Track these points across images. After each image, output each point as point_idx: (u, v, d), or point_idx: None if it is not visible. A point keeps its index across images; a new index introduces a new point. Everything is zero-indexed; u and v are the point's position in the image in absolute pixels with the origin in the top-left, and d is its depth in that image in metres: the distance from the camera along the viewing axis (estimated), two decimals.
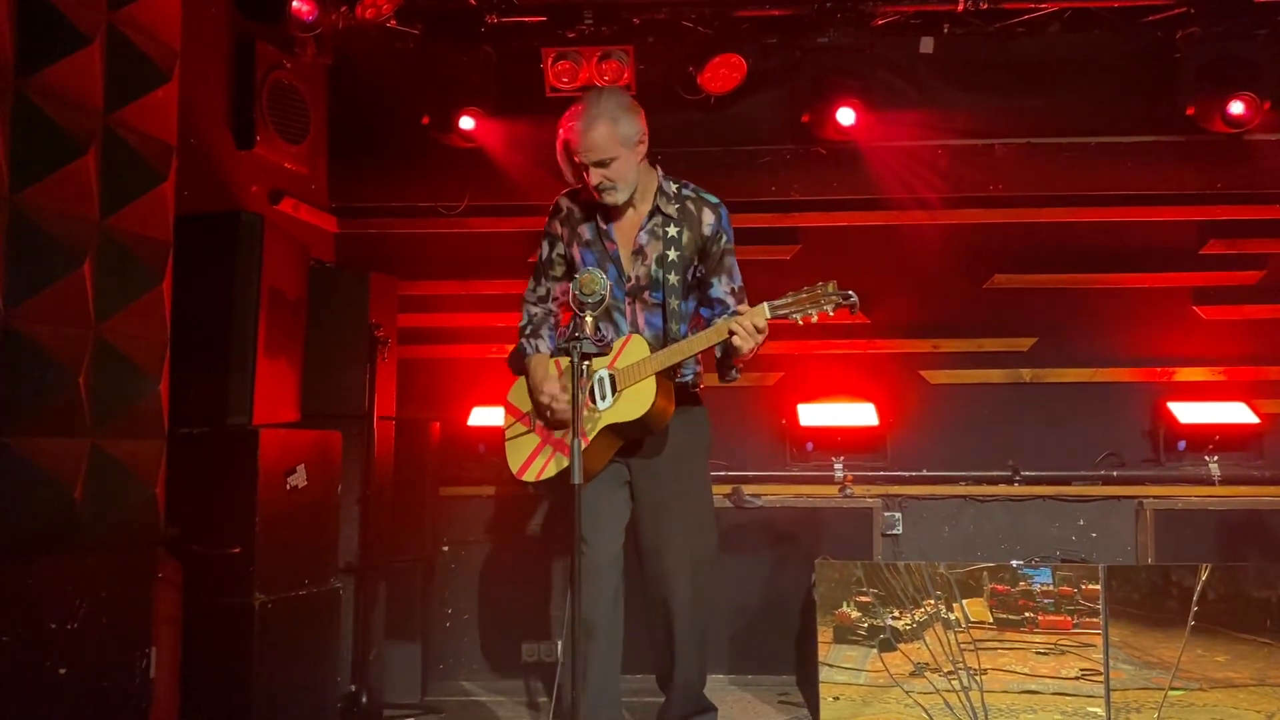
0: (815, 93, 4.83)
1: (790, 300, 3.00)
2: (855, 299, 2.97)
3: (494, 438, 4.81)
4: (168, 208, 2.87)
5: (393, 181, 5.16)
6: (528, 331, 3.44)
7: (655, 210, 3.31)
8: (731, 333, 3.02)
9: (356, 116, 5.13)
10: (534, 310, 3.47)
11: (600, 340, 3.25)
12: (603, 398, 3.16)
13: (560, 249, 3.43)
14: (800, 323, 3.00)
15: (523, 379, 3.39)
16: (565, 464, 3.13)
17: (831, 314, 2.99)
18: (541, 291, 3.48)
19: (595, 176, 3.21)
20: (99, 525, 2.64)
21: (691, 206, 3.32)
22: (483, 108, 4.85)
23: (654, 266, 3.29)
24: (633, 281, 3.31)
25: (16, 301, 2.46)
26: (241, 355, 3.40)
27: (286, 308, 3.70)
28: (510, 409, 3.41)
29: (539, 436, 3.30)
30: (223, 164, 4.25)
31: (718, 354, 3.22)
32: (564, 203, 3.44)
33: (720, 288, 3.31)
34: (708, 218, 3.31)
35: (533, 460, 3.28)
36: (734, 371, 3.24)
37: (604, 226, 3.35)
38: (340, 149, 5.12)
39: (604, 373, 3.17)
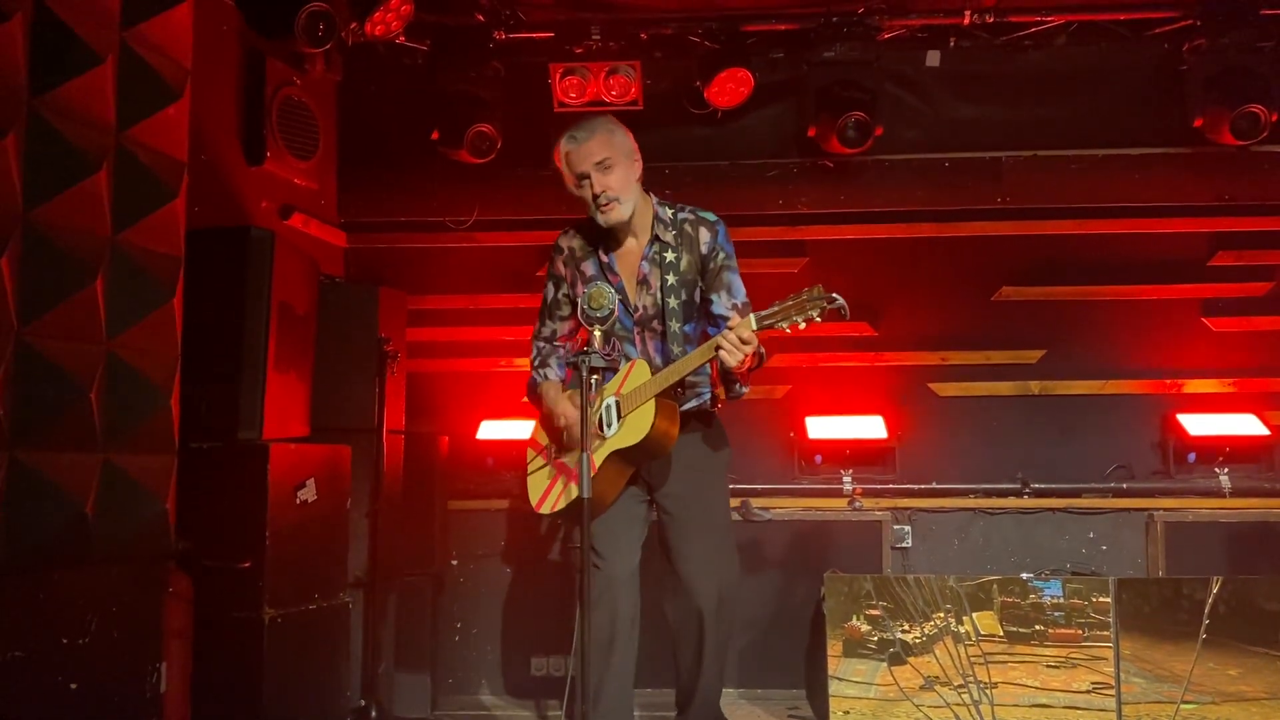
0: (822, 106, 4.83)
1: (777, 309, 2.95)
2: (841, 301, 2.89)
3: (503, 451, 4.85)
4: (179, 223, 2.89)
5: (402, 196, 5.17)
6: (537, 363, 3.46)
7: (654, 239, 3.32)
8: (718, 347, 2.98)
9: (366, 132, 5.16)
10: (542, 345, 3.48)
11: (609, 354, 3.26)
12: (609, 425, 3.16)
13: (565, 290, 3.43)
14: (789, 331, 2.94)
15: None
16: (577, 494, 3.14)
17: (819, 319, 2.90)
18: (547, 333, 3.49)
19: (598, 184, 3.21)
20: (110, 539, 2.65)
21: (689, 228, 3.33)
22: (491, 123, 4.87)
23: (659, 295, 3.29)
24: (640, 312, 3.32)
25: (29, 317, 2.48)
26: (252, 370, 3.42)
27: (296, 322, 3.71)
28: (533, 444, 3.44)
29: (555, 470, 3.31)
30: (233, 180, 4.28)
31: (720, 370, 3.21)
32: (564, 243, 3.44)
33: (721, 304, 3.29)
34: (704, 236, 3.32)
35: (549, 493, 3.30)
36: (737, 387, 3.23)
37: (606, 260, 3.35)
38: (349, 164, 5.14)
39: (611, 400, 3.18)
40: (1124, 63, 5.00)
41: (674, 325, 3.26)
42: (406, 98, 5.11)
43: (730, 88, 4.81)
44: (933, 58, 5.05)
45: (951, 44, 4.99)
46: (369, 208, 5.18)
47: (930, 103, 5.09)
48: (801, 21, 4.82)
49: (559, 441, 3.31)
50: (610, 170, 3.22)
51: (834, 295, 2.90)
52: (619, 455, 3.16)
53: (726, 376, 3.20)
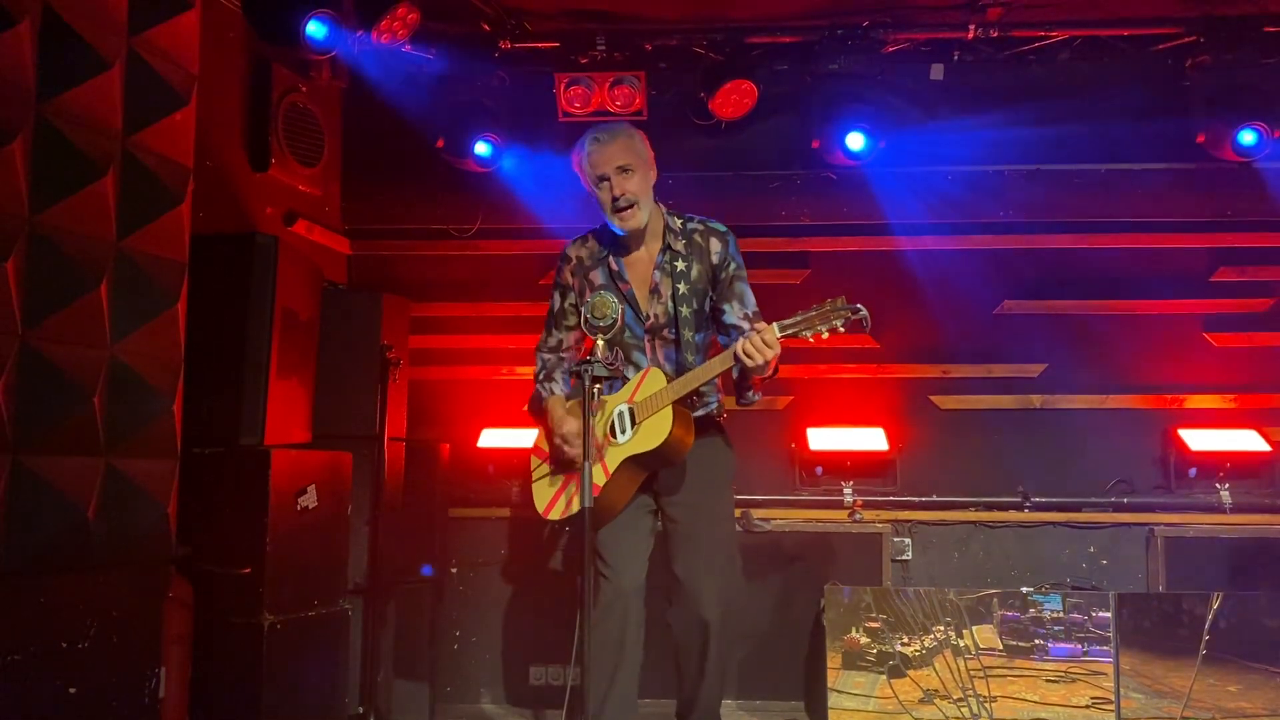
0: (826, 118, 4.84)
1: (800, 319, 2.98)
2: (865, 313, 2.94)
3: (504, 459, 4.85)
4: (183, 229, 2.90)
5: (406, 204, 5.19)
6: (541, 377, 3.46)
7: (665, 248, 3.34)
8: (743, 349, 2.99)
9: (370, 139, 5.16)
10: (547, 358, 3.48)
11: (612, 363, 3.26)
12: (622, 431, 3.17)
13: (572, 299, 3.44)
14: (811, 340, 2.97)
15: None
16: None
17: (843, 329, 2.95)
18: (553, 342, 3.49)
19: (618, 188, 3.23)
20: (111, 544, 2.66)
21: (699, 238, 3.35)
22: (496, 131, 4.88)
23: (669, 303, 3.31)
24: (651, 320, 3.33)
25: (34, 321, 2.49)
26: (254, 376, 3.43)
27: (299, 328, 3.72)
28: (537, 451, 3.43)
29: (563, 476, 3.32)
30: (238, 186, 4.29)
31: (735, 377, 3.22)
32: (572, 252, 3.45)
33: (733, 314, 3.31)
34: (715, 246, 3.34)
35: (557, 499, 3.30)
36: (751, 393, 3.25)
37: (616, 267, 3.36)
38: (354, 171, 5.16)
39: (624, 407, 3.19)
40: (1127, 78, 5.00)
41: (687, 334, 3.29)
42: (411, 105, 5.11)
43: (734, 99, 4.83)
44: (936, 71, 5.06)
45: (955, 58, 5.00)
46: (373, 215, 5.20)
47: (933, 116, 5.09)
48: (806, 34, 4.83)
49: (558, 459, 3.31)
50: (630, 175, 3.25)
51: (857, 306, 2.95)
52: (633, 461, 3.17)
53: (742, 383, 3.22)
